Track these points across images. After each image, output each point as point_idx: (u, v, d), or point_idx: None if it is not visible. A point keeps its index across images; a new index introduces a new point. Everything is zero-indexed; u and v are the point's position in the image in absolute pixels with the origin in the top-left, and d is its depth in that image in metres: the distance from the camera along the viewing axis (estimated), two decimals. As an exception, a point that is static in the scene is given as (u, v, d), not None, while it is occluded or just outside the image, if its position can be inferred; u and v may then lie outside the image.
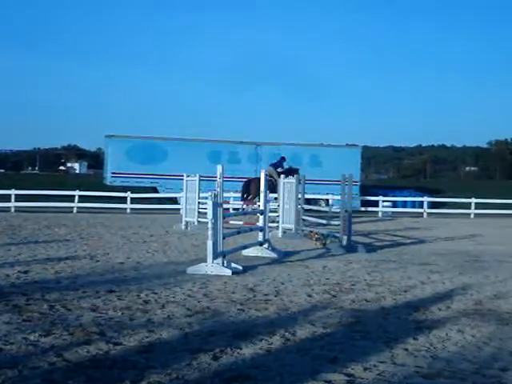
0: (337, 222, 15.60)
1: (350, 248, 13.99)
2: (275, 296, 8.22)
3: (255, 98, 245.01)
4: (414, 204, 35.20)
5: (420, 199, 34.84)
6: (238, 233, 12.74)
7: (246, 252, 12.58)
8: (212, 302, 7.71)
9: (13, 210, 27.66)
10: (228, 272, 10.02)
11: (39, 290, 8.14)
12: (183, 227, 19.77)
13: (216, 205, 10.28)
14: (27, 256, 11.73)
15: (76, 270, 10.05)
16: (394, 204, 34.20)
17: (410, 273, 10.73)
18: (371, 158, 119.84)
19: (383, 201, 33.06)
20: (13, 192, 28.59)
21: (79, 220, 22.72)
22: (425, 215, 32.19)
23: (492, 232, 22.09)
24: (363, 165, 41.56)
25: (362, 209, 31.62)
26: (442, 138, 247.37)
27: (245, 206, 23.02)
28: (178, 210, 25.83)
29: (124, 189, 31.21)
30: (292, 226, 17.61)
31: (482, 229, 23.04)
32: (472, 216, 32.69)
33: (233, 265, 10.43)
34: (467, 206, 33.67)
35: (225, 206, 11.99)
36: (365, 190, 36.48)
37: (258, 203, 13.79)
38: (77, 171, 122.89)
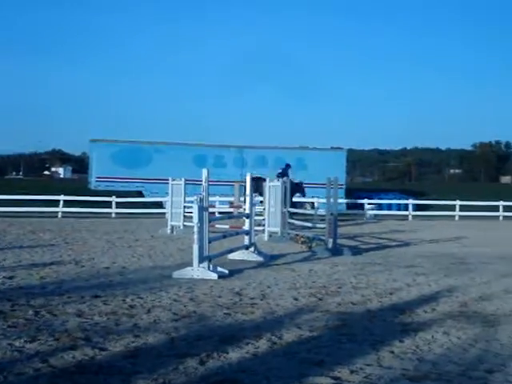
0: (322, 225, 15.62)
1: (336, 251, 14.02)
2: (261, 300, 8.21)
3: (241, 102, 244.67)
4: (399, 207, 35.38)
5: (405, 202, 35.02)
6: (224, 237, 12.72)
7: (232, 256, 12.57)
8: (198, 306, 7.69)
9: (-3, 215, 27.49)
10: (214, 276, 10.00)
11: (24, 295, 8.08)
12: (169, 231, 19.72)
13: (202, 209, 10.27)
14: (12, 261, 11.64)
15: (61, 276, 9.99)
16: (380, 207, 34.33)
17: (395, 275, 10.76)
18: (356, 161, 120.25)
19: (368, 203, 33.19)
20: (-3, 197, 28.44)
21: (64, 225, 22.61)
22: (410, 218, 32.33)
23: (477, 234, 22.22)
24: (348, 168, 41.76)
25: (348, 212, 31.72)
26: (426, 141, 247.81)
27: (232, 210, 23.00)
28: (164, 214, 25.78)
29: (109, 193, 31.10)
30: (278, 230, 17.63)
31: (467, 231, 23.16)
32: (457, 218, 32.88)
33: (219, 269, 10.42)
34: (452, 208, 33.87)
35: (210, 209, 11.96)
36: (350, 192, 36.58)
37: (244, 206, 13.74)
38: (61, 176, 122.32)
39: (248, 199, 13.44)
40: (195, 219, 10.14)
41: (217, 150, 35.26)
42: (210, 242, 10.62)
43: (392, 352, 5.62)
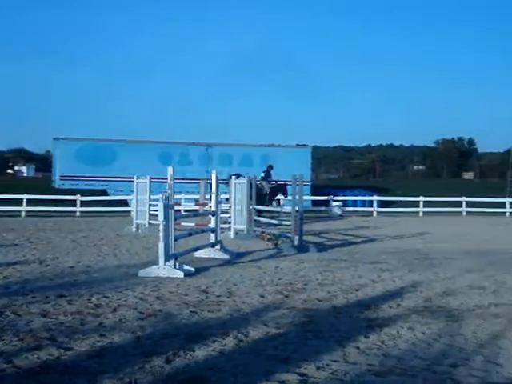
0: (288, 222, 15.67)
1: (302, 248, 14.07)
2: (228, 297, 8.22)
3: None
4: (363, 203, 35.66)
5: (370, 198, 35.32)
6: (190, 234, 12.69)
7: (198, 254, 12.55)
8: (164, 304, 7.67)
9: (-42, 214, 27.07)
10: (180, 274, 9.98)
11: (-13, 296, 7.98)
12: (134, 230, 19.61)
13: (167, 207, 10.23)
14: (-26, 261, 11.48)
15: (25, 275, 9.88)
16: (345, 203, 34.54)
17: (360, 271, 10.84)
18: (321, 157, 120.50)
19: (333, 200, 33.37)
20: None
21: (28, 224, 22.35)
22: (374, 214, 32.64)
23: (440, 230, 22.49)
24: (314, 165, 42.01)
25: (314, 208, 31.86)
26: (390, 138, 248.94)
27: (197, 207, 22.96)
28: (129, 212, 25.65)
29: (73, 192, 30.81)
30: (244, 227, 17.64)
31: (431, 227, 23.46)
32: (421, 214, 33.27)
33: (185, 267, 10.40)
34: (416, 204, 34.24)
35: (176, 207, 11.93)
36: (316, 189, 36.75)
37: (209, 204, 13.71)
38: (24, 174, 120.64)
39: (214, 197, 13.40)
40: (161, 217, 10.10)
41: (182, 147, 35.15)
42: (175, 240, 10.59)
43: (358, 348, 5.67)
